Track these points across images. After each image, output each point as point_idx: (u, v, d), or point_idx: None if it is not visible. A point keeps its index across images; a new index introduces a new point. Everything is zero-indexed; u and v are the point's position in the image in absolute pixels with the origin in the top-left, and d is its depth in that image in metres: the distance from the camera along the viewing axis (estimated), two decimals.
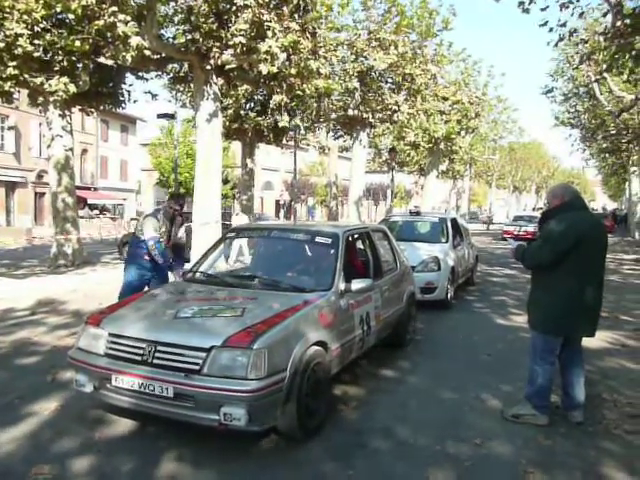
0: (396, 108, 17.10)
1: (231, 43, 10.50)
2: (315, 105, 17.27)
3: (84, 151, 38.95)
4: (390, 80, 17.64)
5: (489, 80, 25.46)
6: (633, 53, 9.31)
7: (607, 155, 28.80)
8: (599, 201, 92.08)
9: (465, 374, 5.07)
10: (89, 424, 3.76)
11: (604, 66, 15.61)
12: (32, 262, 14.61)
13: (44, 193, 32.02)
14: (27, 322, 6.99)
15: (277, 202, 55.98)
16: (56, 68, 12.28)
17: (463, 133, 25.05)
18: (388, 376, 5.00)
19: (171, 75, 13.18)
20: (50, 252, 13.85)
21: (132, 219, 33.87)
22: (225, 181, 41.51)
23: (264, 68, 10.40)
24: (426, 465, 3.26)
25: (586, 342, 6.09)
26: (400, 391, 4.60)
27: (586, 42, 15.27)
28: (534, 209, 48.77)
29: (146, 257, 5.88)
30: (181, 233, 6.44)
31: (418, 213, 10.28)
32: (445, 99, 21.74)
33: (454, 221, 9.93)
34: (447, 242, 8.99)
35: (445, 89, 21.55)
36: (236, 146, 27.07)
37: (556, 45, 11.00)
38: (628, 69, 11.10)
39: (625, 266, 15.24)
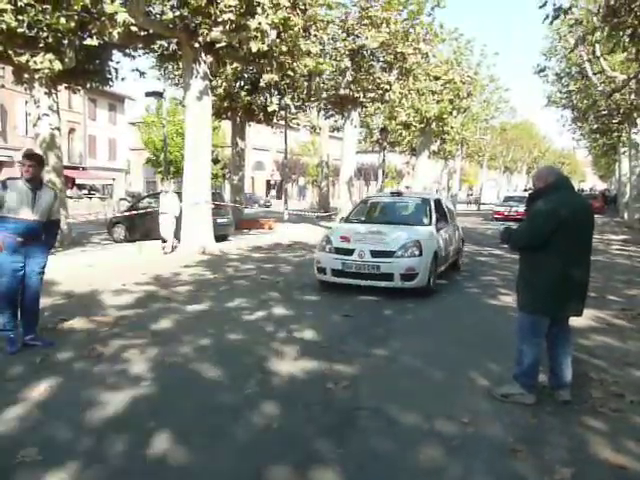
0: (388, 87, 17.00)
1: (220, 20, 10.32)
2: (306, 84, 17.10)
3: (72, 130, 38.44)
4: (382, 59, 17.49)
5: (482, 59, 25.42)
6: (628, 32, 9.24)
7: (598, 136, 28.86)
8: (589, 182, 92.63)
9: (455, 354, 5.11)
10: (78, 406, 3.76)
11: (597, 47, 15.56)
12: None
13: None
14: None
15: (268, 182, 55.79)
16: (41, 45, 12.01)
17: (455, 113, 24.99)
18: (378, 355, 5.03)
19: (159, 53, 12.94)
20: None
21: (121, 199, 33.65)
22: (215, 161, 41.19)
23: (254, 46, 10.26)
24: (415, 443, 3.29)
25: (573, 321, 6.14)
26: (390, 370, 4.63)
27: (580, 23, 15.16)
28: (525, 189, 48.93)
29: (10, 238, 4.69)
30: (53, 205, 5.02)
31: (399, 194, 9.70)
32: (437, 78, 21.63)
33: (438, 202, 9.33)
34: (430, 224, 8.41)
35: (437, 68, 21.41)
36: (226, 125, 26.76)
37: (551, 23, 10.88)
38: (622, 48, 11.04)
39: (613, 246, 15.37)
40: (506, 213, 25.35)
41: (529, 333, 3.94)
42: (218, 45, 10.99)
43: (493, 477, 2.94)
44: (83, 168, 39.57)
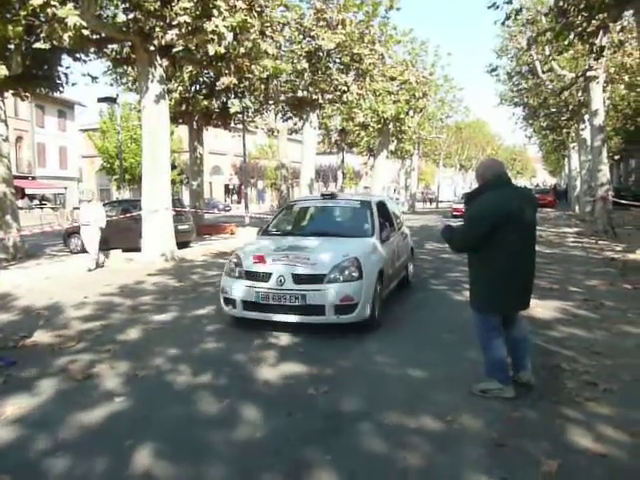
0: (345, 89, 17.07)
1: (175, 22, 10.12)
2: (263, 87, 16.99)
3: (19, 138, 37.00)
4: (338, 60, 17.56)
5: (436, 60, 25.87)
6: (578, 30, 9.57)
7: (548, 132, 29.80)
8: (540, 177, 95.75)
9: (431, 352, 5.15)
10: (50, 426, 3.58)
11: (547, 48, 16.07)
12: None
13: None
14: None
15: (226, 187, 55.18)
16: None
17: (411, 113, 25.35)
18: (356, 357, 5.01)
19: (112, 57, 12.58)
20: None
21: (75, 208, 32.58)
22: (173, 166, 40.56)
23: (211, 49, 10.11)
24: (402, 444, 3.28)
25: (540, 314, 6.41)
26: (369, 372, 4.62)
27: (531, 23, 15.63)
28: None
29: None
30: None
31: (333, 196, 7.73)
32: (393, 79, 21.88)
33: (381, 205, 7.66)
34: (372, 235, 6.61)
35: (393, 69, 21.66)
36: (183, 130, 26.33)
37: (503, 23, 11.18)
38: (570, 46, 11.43)
39: (569, 239, 15.90)
40: (464, 210, 25.89)
41: (484, 330, 4.01)
42: (174, 49, 10.78)
43: (483, 472, 2.95)
44: (33, 177, 38.15)
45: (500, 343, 3.98)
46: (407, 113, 24.30)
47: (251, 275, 5.83)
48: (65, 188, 41.43)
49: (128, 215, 13.45)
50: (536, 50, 18.08)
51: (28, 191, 36.49)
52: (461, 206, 26.96)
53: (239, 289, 5.86)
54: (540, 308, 6.60)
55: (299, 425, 3.57)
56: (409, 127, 25.75)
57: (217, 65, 12.00)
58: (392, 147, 32.10)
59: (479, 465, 3.04)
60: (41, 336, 5.78)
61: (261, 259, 5.90)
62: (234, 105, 12.97)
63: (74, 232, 15.13)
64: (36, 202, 36.43)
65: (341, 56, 17.04)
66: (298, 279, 5.59)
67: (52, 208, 34.60)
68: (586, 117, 19.81)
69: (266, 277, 5.71)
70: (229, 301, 5.99)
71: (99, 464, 3.09)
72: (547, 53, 17.63)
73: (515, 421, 3.61)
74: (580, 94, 20.13)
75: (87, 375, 4.55)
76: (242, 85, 15.57)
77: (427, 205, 47.97)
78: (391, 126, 24.71)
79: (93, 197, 12.22)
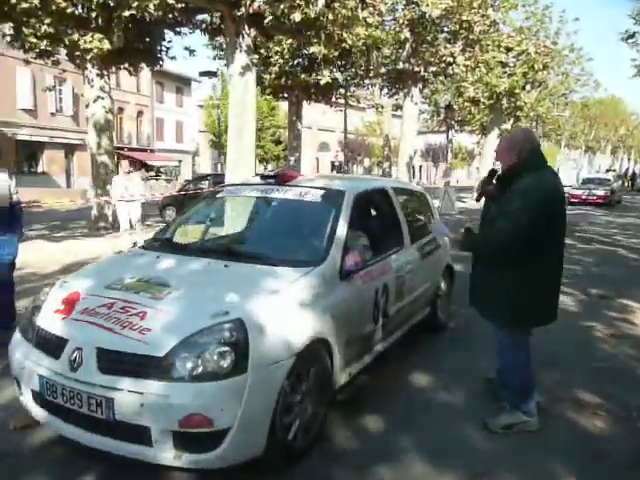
0: (451, 60, 15.72)
1: None
2: (364, 59, 16.16)
3: (140, 113, 39.34)
4: (445, 29, 16.20)
5: (560, 27, 23.19)
6: None
7: None
8: None
9: None
10: None
11: None
12: (79, 224, 14.68)
13: None
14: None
15: (332, 163, 55.11)
16: (92, 25, 11.92)
17: (529, 87, 23.08)
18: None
19: (203, 28, 12.45)
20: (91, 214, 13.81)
21: (186, 181, 34.15)
22: (277, 142, 41.04)
23: (297, 15, 9.52)
24: None
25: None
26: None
27: None
28: (608, 170, 45.49)
29: None
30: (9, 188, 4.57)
31: (281, 180, 4.16)
32: (509, 50, 19.92)
33: (373, 200, 4.58)
34: (324, 261, 3.32)
35: (509, 38, 19.72)
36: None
37: None
38: None
39: None
40: (584, 197, 23.33)
41: (513, 350, 3.21)
42: (262, 16, 10.33)
43: None
44: (151, 150, 40.52)
45: (530, 367, 3.24)
46: (523, 87, 22.14)
47: (41, 340, 2.88)
48: (180, 161, 43.61)
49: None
50: None
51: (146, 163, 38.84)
52: (580, 192, 24.31)
53: (27, 366, 2.86)
54: None
55: None
56: (525, 103, 23.48)
57: (307, 34, 11.39)
58: (508, 126, 29.75)
59: None
60: None
61: (69, 306, 2.95)
62: (324, 76, 12.31)
63: (169, 204, 15.70)
64: (152, 174, 38.68)
65: (448, 24, 15.68)
66: (106, 361, 2.58)
67: (166, 180, 36.55)
68: None
69: (58, 348, 2.73)
70: (18, 383, 3.01)
71: None
72: None
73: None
74: None
75: None
76: (335, 56, 14.75)
77: None
78: (505, 102, 22.70)
79: (131, 169, 10.66)
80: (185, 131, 45.56)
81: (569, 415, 3.45)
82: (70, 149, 32.41)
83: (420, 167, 64.10)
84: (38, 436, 3.06)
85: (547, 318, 3.18)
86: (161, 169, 41.39)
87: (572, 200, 23.87)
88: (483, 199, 3.37)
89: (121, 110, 37.20)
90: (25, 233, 5.65)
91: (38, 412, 2.80)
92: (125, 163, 10.64)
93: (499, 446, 3.06)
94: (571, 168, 60.83)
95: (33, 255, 9.35)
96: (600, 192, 23.02)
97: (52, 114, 31.14)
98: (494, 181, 3.19)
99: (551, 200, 2.91)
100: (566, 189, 29.18)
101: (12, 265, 4.62)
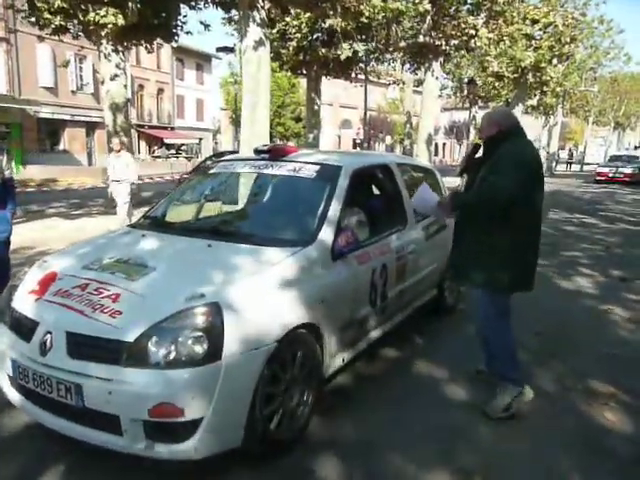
0: (473, 33, 15.15)
1: None
2: (384, 32, 15.70)
3: (160, 90, 39.26)
4: (468, 0, 15.59)
5: None
6: None
7: None
8: None
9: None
10: None
11: None
12: (97, 202, 14.76)
13: None
14: None
15: (354, 140, 54.52)
16: (106, 0, 11.78)
17: (555, 61, 22.26)
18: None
19: (218, 1, 12.20)
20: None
21: (206, 159, 34.15)
22: (298, 119, 40.62)
23: None
24: None
25: None
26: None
27: None
28: (636, 147, 44.02)
29: None
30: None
31: (275, 154, 3.85)
32: (534, 22, 19.18)
33: (365, 176, 4.19)
34: (315, 241, 3.11)
35: (535, 10, 18.96)
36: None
37: None
38: None
39: None
40: (610, 174, 22.61)
41: (494, 315, 3.14)
42: None
43: None
44: (172, 128, 40.50)
45: (511, 333, 3.20)
46: (550, 61, 21.35)
47: (14, 322, 2.78)
48: (200, 139, 43.57)
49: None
50: None
51: (166, 141, 38.88)
52: (607, 169, 23.55)
53: (2, 349, 2.76)
54: None
55: None
56: (551, 78, 22.64)
57: (322, 6, 11.07)
58: (533, 102, 28.86)
59: None
60: None
61: (43, 287, 2.82)
62: (344, 50, 11.99)
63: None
64: (172, 151, 38.75)
65: None
66: (75, 346, 2.45)
67: (186, 157, 36.58)
68: None
69: (29, 331, 2.61)
70: None
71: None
72: None
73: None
74: None
75: None
76: (354, 29, 14.37)
77: (570, 169, 43.08)
78: (530, 76, 21.93)
79: (121, 147, 9.75)
80: (206, 109, 45.39)
81: (578, 405, 3.29)
82: (91, 127, 32.57)
83: (444, 145, 63.04)
84: (15, 420, 3.00)
85: (527, 284, 3.15)
86: (182, 147, 41.43)
87: (598, 178, 23.17)
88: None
89: (141, 87, 37.17)
90: (44, 210, 5.57)
91: (14, 396, 2.70)
92: (115, 141, 9.77)
93: (502, 437, 2.94)
94: (599, 145, 59.16)
95: (47, 233, 9.44)
96: (628, 170, 22.27)
97: (73, 92, 31.26)
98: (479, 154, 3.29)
99: (534, 162, 3.04)
100: (592, 167, 28.63)
101: (7, 243, 4.57)
